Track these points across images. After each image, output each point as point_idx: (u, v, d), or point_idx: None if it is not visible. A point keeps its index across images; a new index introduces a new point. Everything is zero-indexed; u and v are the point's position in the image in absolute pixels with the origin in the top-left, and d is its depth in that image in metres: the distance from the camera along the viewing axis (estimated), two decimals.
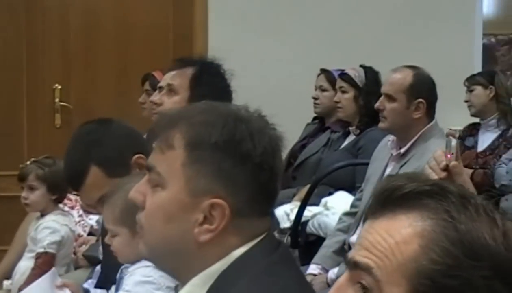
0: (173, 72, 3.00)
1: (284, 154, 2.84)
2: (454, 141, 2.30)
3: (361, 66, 4.90)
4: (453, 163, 2.24)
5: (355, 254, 1.17)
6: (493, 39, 6.35)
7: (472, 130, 5.09)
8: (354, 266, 1.17)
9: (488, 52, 6.33)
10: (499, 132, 5.00)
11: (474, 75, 5.16)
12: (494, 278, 1.10)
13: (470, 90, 5.13)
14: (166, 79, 3.03)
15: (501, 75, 5.24)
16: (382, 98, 3.71)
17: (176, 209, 1.53)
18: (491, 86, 5.05)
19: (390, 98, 3.67)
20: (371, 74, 4.81)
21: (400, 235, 1.14)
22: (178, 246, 1.54)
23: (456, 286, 1.10)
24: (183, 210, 1.53)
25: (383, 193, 1.18)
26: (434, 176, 2.21)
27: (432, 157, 2.29)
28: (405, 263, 1.12)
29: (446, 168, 2.23)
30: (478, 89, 5.09)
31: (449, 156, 2.25)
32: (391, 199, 1.16)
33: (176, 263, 1.56)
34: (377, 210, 1.18)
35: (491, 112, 5.06)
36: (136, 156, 2.46)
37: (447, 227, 1.12)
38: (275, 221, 3.89)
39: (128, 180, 2.16)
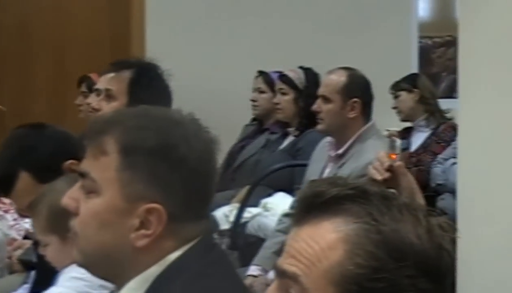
0: (110, 75, 2.97)
1: (220, 157, 2.85)
2: (398, 142, 2.33)
3: (300, 67, 4.94)
4: (398, 163, 2.26)
5: (283, 262, 1.17)
6: (429, 42, 6.44)
7: (405, 133, 5.18)
8: (282, 274, 1.17)
9: (424, 54, 6.43)
10: (430, 132, 5.11)
11: (398, 81, 5.28)
12: (419, 277, 1.11)
13: (396, 97, 5.24)
14: (103, 82, 3.00)
15: (423, 77, 5.37)
16: (318, 100, 3.76)
17: (112, 215, 1.52)
18: (416, 90, 5.17)
19: (326, 99, 3.72)
20: (311, 76, 4.85)
21: (325, 241, 1.14)
22: (114, 252, 1.53)
23: (383, 288, 1.11)
24: (118, 216, 1.52)
25: (306, 199, 1.18)
26: (377, 176, 2.24)
27: (376, 158, 2.31)
28: (331, 269, 1.13)
29: (390, 168, 2.25)
30: (403, 94, 5.21)
31: (393, 156, 2.27)
32: (314, 205, 1.17)
33: (112, 269, 1.55)
34: (302, 217, 1.18)
35: (420, 114, 5.18)
36: (68, 161, 2.45)
37: (371, 230, 1.12)
38: (214, 223, 3.89)
39: (50, 187, 2.15)
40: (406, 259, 1.11)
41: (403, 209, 1.15)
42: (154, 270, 1.53)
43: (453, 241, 1.17)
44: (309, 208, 1.17)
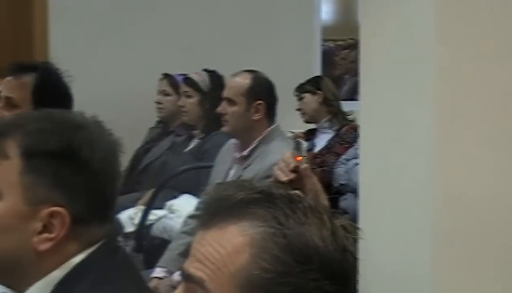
0: (10, 80, 2.91)
1: (125, 159, 2.83)
2: (303, 144, 2.34)
3: (205, 70, 4.95)
4: (304, 165, 2.28)
5: (189, 266, 1.17)
6: (332, 45, 6.54)
7: (309, 135, 5.25)
8: (188, 278, 1.17)
9: (327, 57, 6.52)
10: (333, 133, 5.19)
11: (302, 84, 5.35)
12: (324, 279, 1.12)
13: (300, 99, 5.31)
14: (3, 87, 2.93)
15: (326, 80, 5.46)
16: (223, 102, 3.78)
17: (14, 219, 1.50)
18: (319, 92, 5.25)
19: (231, 102, 3.74)
20: (215, 78, 4.87)
21: (231, 245, 1.14)
22: (16, 256, 1.51)
23: (288, 292, 1.11)
24: (21, 220, 1.50)
25: (212, 203, 1.18)
26: (283, 177, 2.25)
27: (281, 159, 2.32)
28: (237, 274, 1.13)
29: (295, 170, 2.26)
30: (307, 96, 5.28)
31: (299, 158, 2.28)
32: (221, 209, 1.16)
33: (14, 274, 1.53)
34: (208, 220, 1.17)
35: (323, 116, 5.25)
36: None
37: (276, 234, 1.13)
38: (118, 226, 3.87)
39: None
40: (311, 263, 1.12)
41: (308, 212, 1.15)
42: (57, 274, 1.51)
43: (356, 243, 1.19)
44: (216, 212, 1.17)
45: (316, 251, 1.13)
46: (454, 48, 2.28)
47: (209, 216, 1.18)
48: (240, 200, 1.16)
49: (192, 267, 1.16)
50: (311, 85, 5.32)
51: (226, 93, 3.80)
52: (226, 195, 1.17)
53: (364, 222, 2.50)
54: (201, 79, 4.88)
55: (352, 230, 1.17)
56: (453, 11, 2.27)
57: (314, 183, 2.30)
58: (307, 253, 1.12)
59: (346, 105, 5.31)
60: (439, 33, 2.27)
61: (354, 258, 1.16)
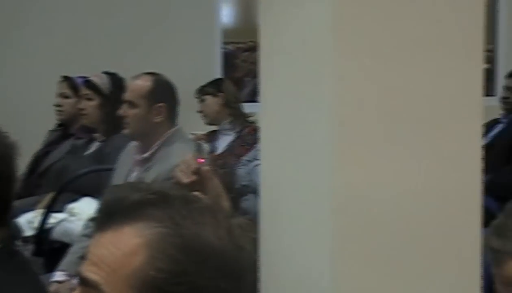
0: None
1: (24, 162, 2.79)
2: (205, 146, 2.34)
3: (105, 73, 4.91)
4: (206, 167, 2.28)
5: (84, 270, 1.17)
6: (233, 47, 6.58)
7: (210, 137, 5.27)
8: (84, 282, 1.16)
9: (229, 59, 6.55)
10: (235, 135, 5.22)
11: (203, 86, 5.37)
12: (220, 278, 1.14)
13: (201, 101, 5.33)
14: None
15: (227, 82, 5.50)
16: (124, 105, 3.77)
17: None
18: (220, 94, 5.28)
19: (132, 104, 3.73)
20: (116, 81, 4.83)
21: (127, 247, 1.14)
22: None
23: (184, 291, 1.12)
24: None
25: (108, 205, 1.17)
26: (184, 179, 2.25)
27: (182, 161, 2.33)
28: (132, 275, 1.12)
29: (197, 172, 2.26)
30: (208, 98, 5.30)
31: (200, 160, 2.28)
32: (116, 211, 1.16)
33: None
34: (104, 223, 1.17)
35: (224, 118, 5.28)
36: None
37: (172, 234, 1.13)
38: (16, 230, 3.81)
39: None
40: (207, 261, 1.13)
41: (205, 212, 1.17)
42: None
43: (254, 241, 1.20)
44: (111, 214, 1.16)
45: (212, 250, 1.13)
46: (352, 50, 2.32)
47: (105, 218, 1.17)
48: (136, 201, 1.15)
49: (88, 270, 1.16)
50: (212, 88, 5.34)
51: (127, 96, 3.78)
52: (121, 197, 1.16)
53: (264, 222, 2.52)
54: (102, 82, 4.84)
55: (249, 229, 1.19)
56: (351, 13, 2.31)
57: (215, 184, 2.31)
58: (203, 252, 1.13)
59: (247, 107, 5.35)
60: (336, 34, 2.31)
61: (251, 257, 1.18)
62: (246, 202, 4.65)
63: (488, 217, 1.58)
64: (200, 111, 5.36)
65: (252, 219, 1.68)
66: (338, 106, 2.35)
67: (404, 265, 2.36)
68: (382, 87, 2.35)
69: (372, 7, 2.34)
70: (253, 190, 4.49)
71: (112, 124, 4.65)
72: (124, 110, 3.76)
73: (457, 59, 2.40)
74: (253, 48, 6.13)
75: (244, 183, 4.78)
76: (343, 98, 2.34)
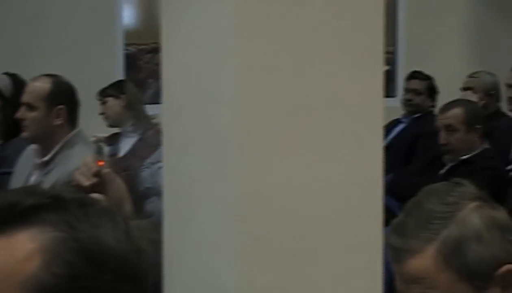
0: None
1: None
2: (104, 148, 2.32)
3: (5, 74, 4.81)
4: (107, 170, 2.26)
5: None
6: (135, 49, 6.53)
7: (113, 139, 5.22)
8: None
9: (131, 61, 6.50)
10: (138, 137, 5.18)
11: (105, 88, 5.32)
12: (119, 280, 1.12)
13: (103, 103, 5.28)
14: None
15: (130, 84, 5.46)
16: (23, 107, 3.69)
17: None
18: (122, 95, 5.24)
19: (30, 107, 3.66)
20: (17, 82, 4.73)
21: (21, 252, 1.10)
22: None
23: None
24: None
25: (0, 210, 1.13)
26: (84, 182, 2.22)
27: (83, 163, 2.30)
28: (28, 281, 1.09)
29: (97, 174, 2.24)
30: (110, 100, 5.25)
31: (101, 162, 2.26)
32: (8, 217, 1.12)
33: None
34: None
35: (127, 120, 5.23)
36: None
37: (68, 238, 1.10)
38: None
39: None
40: (105, 265, 1.11)
41: (102, 215, 1.14)
42: None
43: (154, 242, 1.19)
44: (4, 219, 1.12)
45: (110, 253, 1.12)
46: (254, 51, 2.33)
47: None
48: (30, 206, 1.12)
49: None
50: (114, 89, 5.29)
51: (25, 98, 3.71)
52: (14, 201, 1.13)
53: (168, 225, 2.51)
54: (2, 83, 4.73)
55: (148, 230, 1.17)
56: (253, 14, 2.32)
57: (118, 186, 2.29)
58: (100, 255, 1.11)
59: (150, 109, 5.31)
60: (238, 36, 2.31)
61: (151, 258, 1.17)
62: (150, 204, 4.62)
63: (390, 216, 1.60)
64: (102, 114, 5.30)
65: (156, 221, 1.65)
66: (241, 107, 2.35)
67: (308, 264, 2.38)
68: (284, 89, 2.37)
69: (274, 9, 2.36)
70: (157, 192, 4.45)
71: (11, 127, 4.55)
72: (22, 113, 3.68)
73: (357, 61, 2.43)
74: (156, 50, 6.09)
75: (148, 185, 4.75)
76: (246, 100, 2.35)
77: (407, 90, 5.81)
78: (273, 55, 2.32)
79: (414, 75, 5.93)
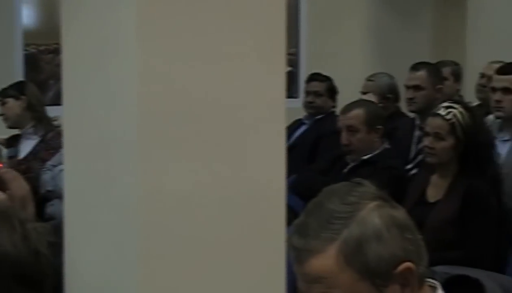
0: None
1: None
2: (4, 151, 2.28)
3: None
4: (5, 170, 2.23)
5: None
6: (36, 49, 6.42)
7: (13, 141, 5.12)
8: None
9: (32, 61, 6.39)
10: (39, 139, 5.09)
11: (4, 88, 5.21)
12: (16, 284, 1.10)
13: (2, 104, 5.17)
14: None
15: (30, 85, 5.37)
16: None
17: None
18: (23, 97, 5.14)
19: None
20: None
21: None
22: None
23: None
24: None
25: None
26: None
27: None
28: None
29: None
30: (10, 101, 5.15)
31: (0, 164, 2.23)
32: None
33: None
34: None
35: (28, 121, 5.14)
36: None
37: None
38: None
39: None
40: (1, 269, 1.09)
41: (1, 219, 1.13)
42: None
43: (52, 245, 1.17)
44: None
45: (7, 257, 1.10)
46: (156, 53, 2.31)
47: None
48: None
49: None
50: (14, 90, 5.18)
51: None
52: None
53: (69, 227, 2.47)
54: None
55: (46, 232, 1.16)
56: (155, 16, 2.30)
57: (20, 187, 2.26)
58: None
59: (51, 111, 5.22)
60: (140, 37, 2.30)
61: (49, 261, 1.15)
62: (51, 207, 4.54)
63: (293, 216, 1.61)
64: (2, 115, 5.18)
65: (57, 224, 1.63)
66: (141, 110, 2.33)
67: (210, 264, 2.38)
68: (185, 91, 2.36)
69: (175, 11, 2.35)
70: (59, 195, 4.38)
71: None
72: None
73: (259, 63, 2.45)
74: (57, 50, 6.00)
75: (49, 188, 4.67)
76: (147, 103, 2.33)
77: (308, 93, 5.86)
78: (174, 58, 2.32)
79: (314, 77, 5.99)
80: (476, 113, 3.80)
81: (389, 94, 5.52)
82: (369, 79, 5.67)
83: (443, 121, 3.68)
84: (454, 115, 3.67)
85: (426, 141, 3.72)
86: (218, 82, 2.38)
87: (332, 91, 5.83)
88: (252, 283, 2.42)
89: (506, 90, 4.45)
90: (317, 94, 5.80)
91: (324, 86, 5.82)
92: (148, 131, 2.30)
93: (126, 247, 2.33)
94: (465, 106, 3.79)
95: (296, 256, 1.54)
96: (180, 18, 2.32)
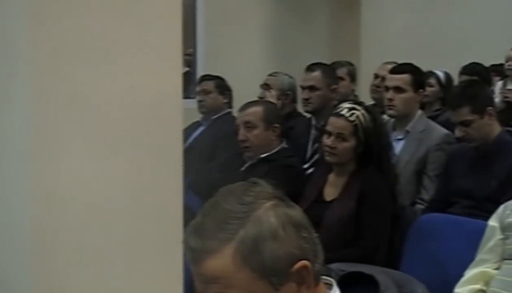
0: None
1: None
2: None
3: None
4: None
5: None
6: None
7: None
8: None
9: None
10: None
11: None
12: None
13: None
14: None
15: None
16: None
17: None
18: None
19: None
20: None
21: None
22: None
23: None
24: None
25: None
26: None
27: None
28: None
29: None
30: None
31: None
32: None
33: None
34: None
35: None
36: None
37: None
38: None
39: None
40: None
41: None
42: None
43: None
44: None
45: None
46: (46, 51, 2.28)
47: None
48: None
49: None
50: None
51: None
52: None
53: None
54: None
55: None
56: (49, 12, 2.27)
57: None
58: None
59: None
60: (31, 35, 2.26)
61: None
62: None
63: (192, 216, 1.61)
64: None
65: None
66: (35, 108, 2.29)
67: (107, 264, 2.35)
68: (78, 91, 2.32)
69: (68, 10, 2.31)
70: None
71: None
72: None
73: (156, 63, 2.43)
74: None
75: None
76: (41, 100, 2.28)
77: (198, 93, 5.89)
78: (67, 57, 2.29)
79: (203, 77, 6.05)
80: (376, 116, 3.88)
81: (289, 91, 5.58)
82: (271, 74, 5.73)
83: (347, 122, 3.73)
84: (357, 117, 3.73)
85: (328, 141, 3.76)
86: (114, 81, 2.35)
87: (221, 88, 5.84)
88: (149, 284, 2.41)
89: (397, 89, 4.57)
90: (205, 92, 5.81)
91: (213, 84, 5.83)
92: (39, 133, 2.26)
93: (17, 246, 2.29)
94: (366, 108, 3.86)
95: (193, 256, 1.54)
96: (74, 17, 2.29)
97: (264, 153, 4.31)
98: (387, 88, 4.64)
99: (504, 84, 6.99)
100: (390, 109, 4.60)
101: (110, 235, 2.36)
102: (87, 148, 2.32)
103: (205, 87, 5.84)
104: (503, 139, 4.08)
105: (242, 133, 4.30)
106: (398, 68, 4.74)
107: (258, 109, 4.35)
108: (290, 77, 5.68)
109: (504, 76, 7.19)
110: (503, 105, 6.35)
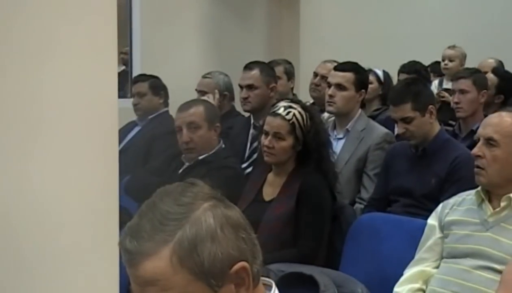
0: None
1: None
2: None
3: None
4: None
5: None
6: None
7: None
8: None
9: None
10: None
11: None
12: None
13: None
14: None
15: None
16: None
17: None
18: None
19: None
20: None
21: None
22: None
23: None
24: None
25: None
26: None
27: None
28: None
29: None
30: None
31: None
32: None
33: None
34: None
35: None
36: None
37: None
38: None
39: None
40: None
41: None
42: None
43: None
44: None
45: None
46: None
47: None
48: None
49: None
50: None
51: None
52: None
53: None
54: None
55: None
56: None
57: None
58: None
59: None
60: None
61: None
62: None
63: (128, 218, 1.57)
64: None
65: None
66: None
67: (42, 265, 2.29)
68: (15, 89, 2.27)
69: (2, 6, 2.25)
70: None
71: None
72: None
73: (90, 62, 2.38)
74: None
75: None
76: None
77: (133, 95, 5.83)
78: (3, 55, 2.23)
79: (137, 78, 5.98)
80: (314, 114, 3.87)
81: (226, 91, 5.54)
82: (205, 76, 5.67)
83: (283, 121, 3.72)
84: (294, 115, 3.71)
85: (266, 140, 3.74)
86: (49, 81, 2.30)
87: (156, 88, 5.78)
88: (84, 286, 2.36)
89: (339, 86, 4.58)
90: (140, 95, 5.75)
91: (146, 85, 5.77)
92: None
93: None
94: (303, 106, 3.84)
95: (129, 259, 1.50)
96: (6, 16, 2.23)
97: (202, 155, 4.27)
98: (329, 85, 4.65)
99: (440, 83, 7.07)
100: (330, 105, 4.61)
101: (44, 236, 2.30)
102: (21, 149, 2.27)
103: (139, 90, 5.77)
104: (442, 138, 4.11)
105: (186, 134, 4.24)
106: (343, 66, 4.75)
107: (200, 109, 4.30)
108: (226, 75, 5.64)
109: (440, 75, 7.27)
110: (438, 104, 6.42)
